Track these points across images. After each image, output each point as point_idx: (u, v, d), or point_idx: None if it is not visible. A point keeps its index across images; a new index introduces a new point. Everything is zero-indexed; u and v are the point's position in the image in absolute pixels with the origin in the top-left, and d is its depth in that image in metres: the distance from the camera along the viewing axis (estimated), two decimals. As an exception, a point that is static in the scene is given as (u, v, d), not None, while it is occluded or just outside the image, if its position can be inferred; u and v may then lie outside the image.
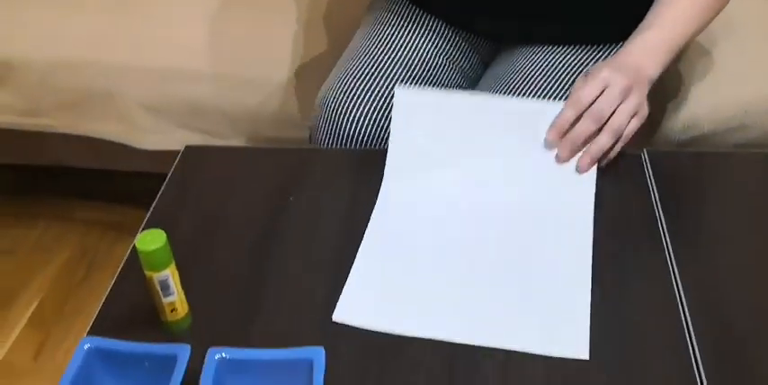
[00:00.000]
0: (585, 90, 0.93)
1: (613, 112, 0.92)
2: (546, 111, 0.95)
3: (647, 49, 0.99)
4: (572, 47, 1.12)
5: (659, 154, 0.98)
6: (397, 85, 1.04)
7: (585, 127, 0.92)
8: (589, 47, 1.12)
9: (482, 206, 0.91)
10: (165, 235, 0.74)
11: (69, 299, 1.68)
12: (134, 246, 0.87)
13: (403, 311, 0.79)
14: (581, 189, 0.92)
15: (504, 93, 1.08)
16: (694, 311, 0.78)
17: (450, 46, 1.18)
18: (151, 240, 0.73)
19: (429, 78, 1.15)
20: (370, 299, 0.80)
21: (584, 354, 0.74)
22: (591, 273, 0.82)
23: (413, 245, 0.87)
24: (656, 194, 0.92)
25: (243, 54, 1.41)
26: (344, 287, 0.81)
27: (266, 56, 1.40)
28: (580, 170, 0.93)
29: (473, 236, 0.88)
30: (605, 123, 0.92)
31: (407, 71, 1.13)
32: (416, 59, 1.14)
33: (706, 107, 1.24)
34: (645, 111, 0.94)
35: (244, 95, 1.40)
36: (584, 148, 0.93)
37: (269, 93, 1.38)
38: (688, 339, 0.76)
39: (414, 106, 0.98)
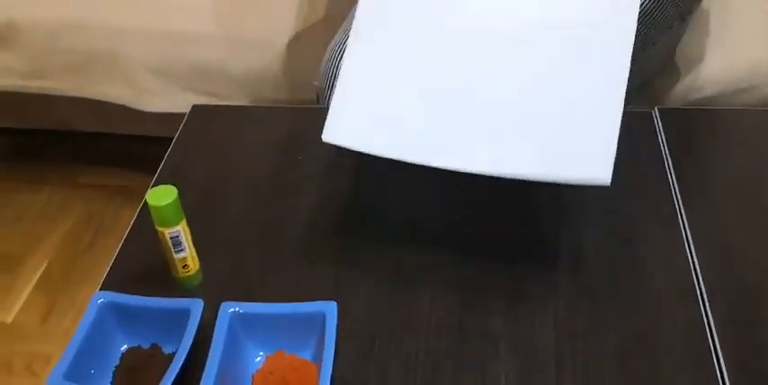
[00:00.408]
0: None
1: None
2: None
3: None
4: None
5: (670, 111, 0.98)
6: None
7: None
8: None
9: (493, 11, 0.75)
10: (175, 190, 0.73)
11: (76, 263, 1.68)
12: (144, 204, 0.87)
13: (404, 133, 0.69)
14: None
15: None
16: (704, 262, 0.79)
17: None
18: (162, 195, 0.73)
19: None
20: (363, 117, 0.70)
21: (605, 179, 0.65)
22: (625, 85, 0.69)
23: (410, 46, 0.73)
24: (667, 150, 0.92)
25: (249, 16, 1.39)
26: (330, 106, 0.70)
27: (272, 17, 1.39)
28: None
29: (484, 36, 0.73)
30: None
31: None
32: None
33: (715, 68, 1.23)
34: None
35: (250, 57, 1.39)
36: None
37: (275, 54, 1.37)
38: (697, 288, 0.76)
39: None
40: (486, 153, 0.67)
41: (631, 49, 0.72)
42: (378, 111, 0.71)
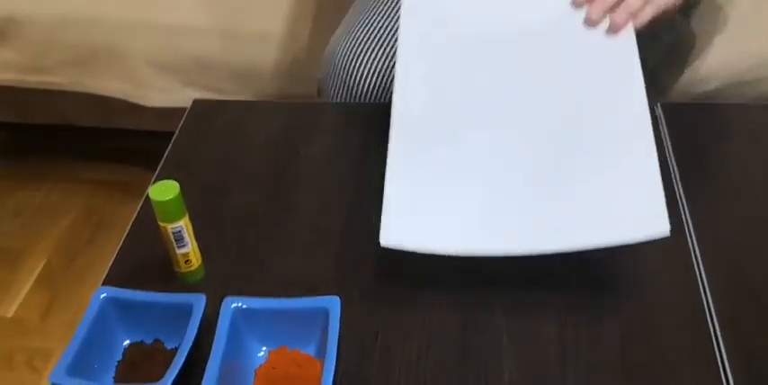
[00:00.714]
0: None
1: None
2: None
3: None
4: None
5: (673, 106, 0.98)
6: None
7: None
8: None
9: (514, 88, 0.79)
10: (178, 186, 0.73)
11: (76, 259, 1.68)
12: (146, 199, 0.87)
13: (460, 228, 0.70)
14: (622, 53, 0.82)
15: None
16: (708, 261, 0.78)
17: None
18: (165, 191, 0.72)
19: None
20: (415, 217, 0.70)
21: (665, 231, 0.67)
22: (654, 141, 0.72)
23: (445, 146, 0.76)
24: (670, 146, 0.92)
25: (249, 10, 1.39)
26: (383, 205, 0.71)
27: (273, 11, 1.38)
28: (616, 26, 0.85)
29: (510, 124, 0.77)
30: None
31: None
32: None
33: (720, 60, 1.23)
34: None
35: (250, 52, 1.39)
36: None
37: (276, 49, 1.37)
38: (701, 287, 0.76)
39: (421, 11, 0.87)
40: (546, 233, 0.68)
41: (646, 102, 0.76)
42: (430, 210, 0.72)
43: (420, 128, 0.77)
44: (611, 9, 0.87)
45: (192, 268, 0.78)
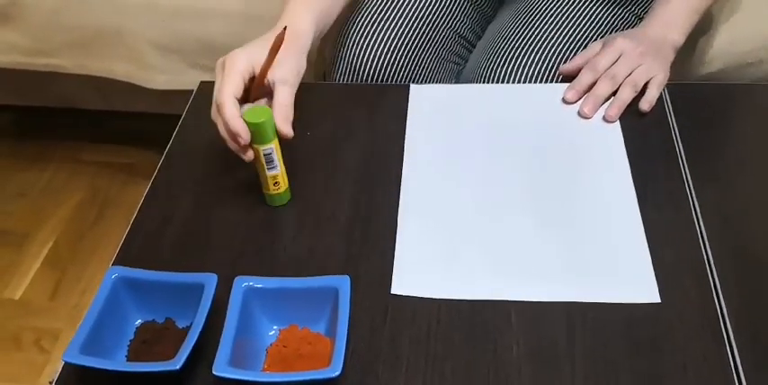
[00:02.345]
0: (601, 57, 0.95)
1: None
2: (561, 91, 0.97)
3: (669, 22, 0.99)
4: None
5: (678, 86, 0.98)
6: (412, 83, 1.02)
7: (605, 86, 0.94)
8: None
9: (512, 167, 0.89)
10: (270, 110, 0.78)
11: (83, 239, 1.69)
12: (155, 179, 0.88)
13: (461, 276, 0.77)
14: (610, 138, 0.91)
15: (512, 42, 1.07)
16: (713, 240, 0.79)
17: None
18: (258, 114, 0.77)
19: (446, 17, 1.14)
20: (424, 268, 0.78)
21: (655, 298, 0.74)
22: (641, 215, 0.81)
23: (450, 207, 0.84)
24: (675, 126, 0.92)
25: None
26: (395, 259, 0.79)
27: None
28: (610, 119, 0.93)
29: (509, 191, 0.86)
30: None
31: (424, 12, 1.12)
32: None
33: (723, 42, 1.23)
34: (661, 76, 0.95)
35: (255, 34, 1.37)
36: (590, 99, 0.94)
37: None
38: (707, 266, 0.77)
39: (427, 100, 0.98)
40: (542, 286, 0.75)
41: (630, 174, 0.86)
42: (439, 261, 0.79)
43: (427, 199, 0.85)
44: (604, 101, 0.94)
45: (281, 190, 0.82)
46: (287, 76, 0.83)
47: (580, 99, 0.95)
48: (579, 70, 0.97)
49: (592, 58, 0.97)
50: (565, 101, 0.95)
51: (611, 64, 0.95)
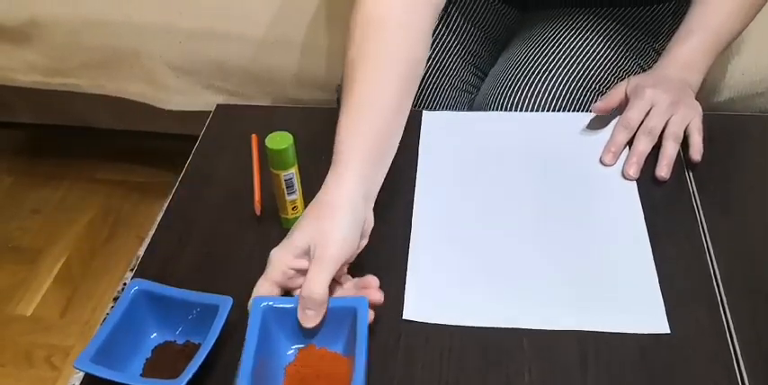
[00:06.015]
0: (633, 112, 0.93)
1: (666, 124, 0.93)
2: (573, 121, 0.99)
3: (688, 64, 0.97)
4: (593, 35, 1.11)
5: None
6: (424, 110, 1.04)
7: (646, 143, 0.92)
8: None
9: (524, 195, 0.90)
10: (291, 137, 0.79)
11: (95, 257, 1.70)
12: (173, 195, 0.89)
13: (473, 303, 0.78)
14: (621, 169, 0.92)
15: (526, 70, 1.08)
16: (724, 269, 0.80)
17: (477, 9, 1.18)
18: (280, 141, 0.79)
19: (458, 45, 1.16)
20: (436, 294, 0.79)
21: (664, 328, 0.74)
22: (651, 246, 0.82)
23: (462, 234, 0.86)
24: (686, 157, 0.93)
25: (270, 15, 1.40)
26: (406, 286, 0.80)
27: (294, 16, 1.39)
28: (629, 177, 0.91)
29: (521, 219, 0.87)
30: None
31: (437, 41, 1.14)
32: (441, 16, 1.14)
33: (732, 72, 1.24)
34: (697, 120, 0.94)
35: (270, 56, 1.40)
36: (634, 159, 0.92)
37: (297, 54, 1.38)
38: (718, 297, 0.78)
39: (440, 127, 1.00)
40: (554, 314, 0.76)
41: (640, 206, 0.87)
42: (451, 287, 0.80)
43: (439, 225, 0.87)
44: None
45: (298, 214, 0.83)
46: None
47: (617, 152, 0.94)
48: (607, 109, 0.97)
49: (623, 115, 0.95)
50: (604, 163, 0.93)
51: (644, 117, 0.93)
